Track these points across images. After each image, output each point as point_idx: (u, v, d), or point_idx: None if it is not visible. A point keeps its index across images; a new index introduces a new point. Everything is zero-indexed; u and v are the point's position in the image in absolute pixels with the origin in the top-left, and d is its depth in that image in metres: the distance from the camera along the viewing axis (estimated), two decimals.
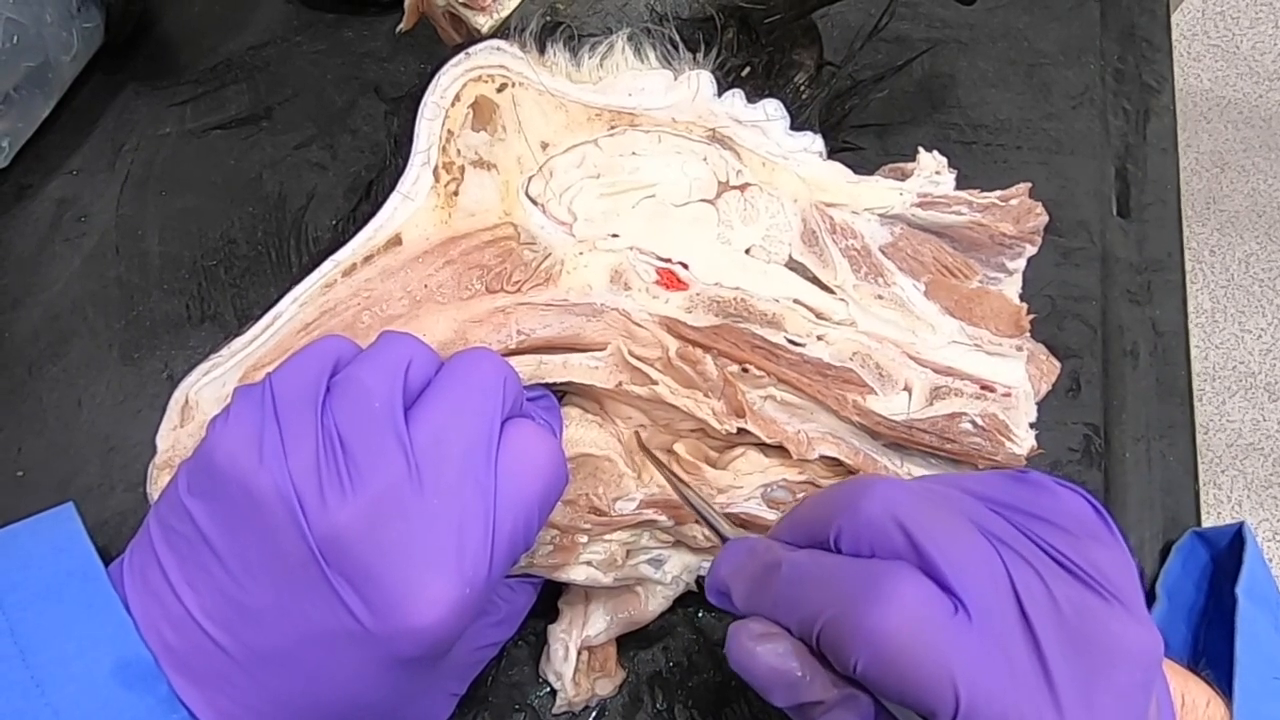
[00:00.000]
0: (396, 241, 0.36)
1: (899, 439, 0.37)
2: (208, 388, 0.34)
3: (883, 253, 0.39)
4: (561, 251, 0.36)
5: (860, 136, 0.49)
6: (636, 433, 0.37)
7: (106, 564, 0.29)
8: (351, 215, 0.41)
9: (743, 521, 0.36)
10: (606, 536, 0.36)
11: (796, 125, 0.39)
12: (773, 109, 0.38)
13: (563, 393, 0.37)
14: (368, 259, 0.35)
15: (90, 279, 0.48)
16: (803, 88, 0.43)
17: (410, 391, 0.29)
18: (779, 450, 0.37)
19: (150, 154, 0.52)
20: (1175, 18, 0.90)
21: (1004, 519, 0.28)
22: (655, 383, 0.35)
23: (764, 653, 0.28)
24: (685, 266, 0.36)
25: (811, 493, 0.36)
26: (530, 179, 0.37)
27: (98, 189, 0.50)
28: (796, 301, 0.37)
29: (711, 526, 0.33)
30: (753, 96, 0.38)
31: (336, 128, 0.53)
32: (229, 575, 0.27)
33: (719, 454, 0.38)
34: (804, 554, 0.28)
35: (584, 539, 0.36)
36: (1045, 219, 0.40)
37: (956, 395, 0.37)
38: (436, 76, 0.36)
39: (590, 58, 0.38)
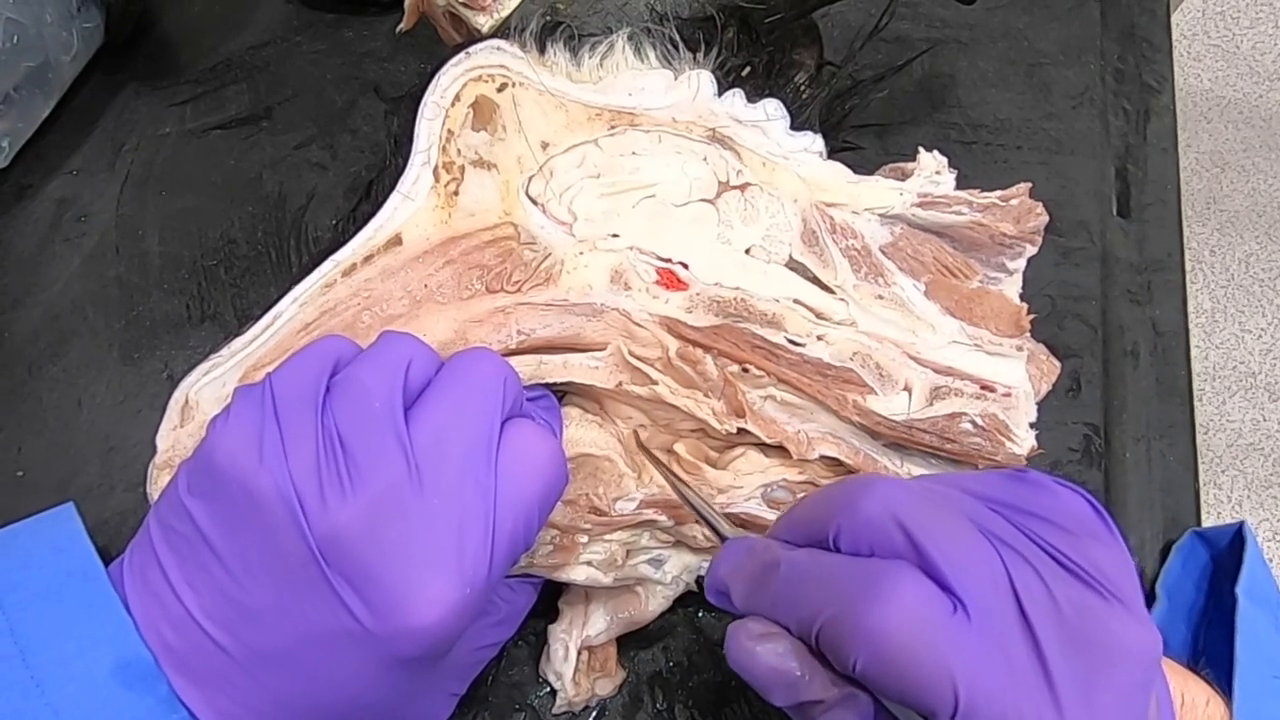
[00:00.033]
0: (396, 241, 0.36)
1: (899, 439, 0.37)
2: (208, 388, 0.34)
3: (883, 253, 0.39)
4: (561, 251, 0.36)
5: (860, 136, 0.49)
6: (636, 433, 0.37)
7: (106, 564, 0.29)
8: (351, 215, 0.41)
9: (743, 521, 0.36)
10: (606, 536, 0.36)
11: (796, 125, 0.39)
12: (773, 109, 0.38)
13: (563, 393, 0.37)
14: (368, 259, 0.35)
15: (90, 279, 0.48)
16: (803, 88, 0.43)
17: (410, 391, 0.29)
18: (779, 450, 0.37)
19: (150, 154, 0.51)
20: (1175, 18, 0.90)
21: (1004, 518, 0.28)
22: (655, 383, 0.35)
23: (763, 652, 0.28)
24: (685, 266, 0.36)
25: (811, 492, 0.36)
26: (530, 179, 0.37)
27: (98, 189, 0.50)
28: (796, 301, 0.37)
29: (711, 526, 0.33)
30: (753, 96, 0.38)
31: (336, 128, 0.53)
32: (229, 575, 0.27)
33: (719, 454, 0.38)
34: (803, 553, 0.28)
35: (584, 539, 0.36)
36: (1045, 219, 0.40)
37: (956, 395, 0.37)
38: (436, 76, 0.36)
39: (590, 57, 0.38)
